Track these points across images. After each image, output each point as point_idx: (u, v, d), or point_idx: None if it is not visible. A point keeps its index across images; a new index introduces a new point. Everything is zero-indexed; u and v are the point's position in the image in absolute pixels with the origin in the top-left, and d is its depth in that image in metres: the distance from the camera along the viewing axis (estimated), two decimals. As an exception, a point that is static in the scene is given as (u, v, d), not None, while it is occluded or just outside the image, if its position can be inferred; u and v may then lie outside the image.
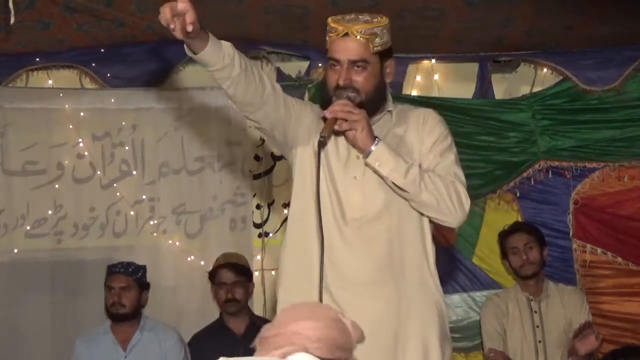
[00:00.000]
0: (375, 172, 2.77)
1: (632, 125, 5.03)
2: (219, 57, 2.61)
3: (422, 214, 2.83)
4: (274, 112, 2.82)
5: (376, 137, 2.75)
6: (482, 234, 5.07)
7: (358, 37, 2.76)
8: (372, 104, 2.83)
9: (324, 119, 2.77)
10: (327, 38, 2.83)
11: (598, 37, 4.88)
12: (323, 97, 2.91)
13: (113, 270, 4.47)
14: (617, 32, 4.78)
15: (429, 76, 5.21)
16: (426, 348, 2.78)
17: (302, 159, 2.90)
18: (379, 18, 2.82)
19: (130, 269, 4.45)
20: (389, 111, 2.93)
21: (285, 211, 5.11)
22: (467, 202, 2.79)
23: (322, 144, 2.72)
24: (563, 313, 4.55)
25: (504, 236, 4.72)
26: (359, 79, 2.79)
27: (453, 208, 2.75)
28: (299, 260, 2.85)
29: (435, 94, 5.14)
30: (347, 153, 2.86)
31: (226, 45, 2.64)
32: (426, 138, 2.88)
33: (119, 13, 4.39)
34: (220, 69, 2.64)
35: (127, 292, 4.42)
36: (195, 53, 2.60)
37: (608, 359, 4.35)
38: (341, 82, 2.78)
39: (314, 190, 2.76)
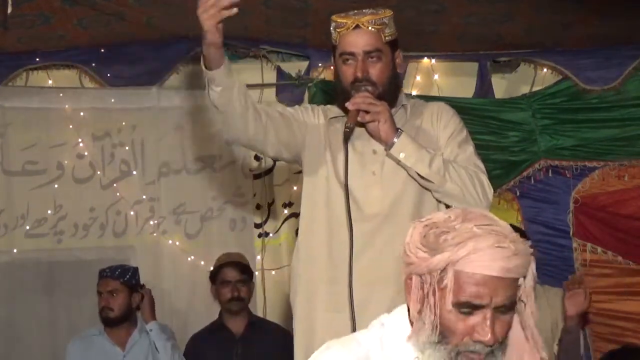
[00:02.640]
0: (398, 163, 2.76)
1: (632, 124, 5.03)
2: (229, 82, 2.61)
3: (444, 206, 2.82)
4: (276, 136, 2.82)
5: (398, 128, 2.75)
6: (482, 233, 5.06)
7: (370, 27, 2.78)
8: (389, 95, 2.83)
9: (346, 111, 2.77)
10: (336, 35, 2.82)
11: (598, 36, 4.87)
12: (338, 94, 2.90)
13: (102, 274, 4.45)
14: (617, 31, 4.77)
15: (428, 75, 5.21)
16: None
17: (310, 160, 2.91)
18: (383, 10, 2.84)
19: (117, 272, 4.42)
20: (403, 105, 2.93)
21: (286, 211, 5.12)
22: (490, 191, 2.80)
23: (347, 135, 2.72)
24: (549, 313, 4.53)
25: None
26: (375, 71, 2.79)
27: (478, 197, 2.74)
28: (317, 258, 2.85)
29: (435, 93, 5.13)
30: (362, 149, 2.86)
31: (242, 83, 2.66)
32: (442, 132, 2.89)
33: (118, 6, 4.38)
34: (227, 101, 2.63)
35: (115, 296, 4.39)
36: (209, 69, 2.59)
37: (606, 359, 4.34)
38: (359, 74, 2.78)
39: (341, 185, 2.76)
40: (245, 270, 4.64)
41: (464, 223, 1.74)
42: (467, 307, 1.70)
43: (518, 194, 5.11)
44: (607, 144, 5.03)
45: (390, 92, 2.85)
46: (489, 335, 1.69)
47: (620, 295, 5.06)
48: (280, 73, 5.07)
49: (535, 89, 5.19)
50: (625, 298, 5.05)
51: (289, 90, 5.05)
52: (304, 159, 2.93)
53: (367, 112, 2.73)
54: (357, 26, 2.77)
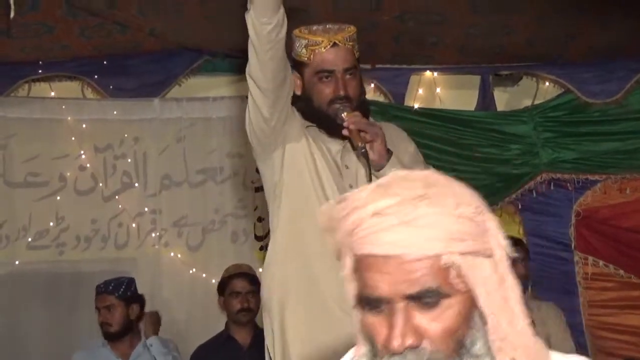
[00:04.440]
0: None
1: (633, 137, 5.04)
2: (275, 8, 2.56)
3: None
4: (286, 96, 2.79)
5: (388, 149, 2.76)
6: (483, 246, 5.04)
7: (346, 44, 2.80)
8: (364, 110, 2.84)
9: (343, 130, 2.75)
10: (308, 53, 2.81)
11: (600, 47, 4.86)
12: (312, 111, 2.87)
13: (98, 290, 4.44)
14: (619, 42, 4.77)
15: (431, 89, 5.22)
16: None
17: (293, 164, 2.86)
18: (347, 26, 2.84)
19: (111, 287, 4.40)
20: None
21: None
22: None
23: (365, 155, 2.70)
24: (542, 329, 4.51)
25: None
26: (351, 87, 2.81)
27: None
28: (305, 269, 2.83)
29: (437, 106, 5.14)
30: (336, 163, 2.86)
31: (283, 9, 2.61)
32: (403, 153, 2.89)
33: (121, 12, 4.38)
34: (273, 25, 2.58)
35: (112, 311, 4.39)
36: None
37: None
38: (342, 92, 2.78)
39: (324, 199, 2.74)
40: (254, 282, 4.63)
41: (365, 189, 1.29)
42: (367, 304, 1.24)
43: (520, 206, 5.10)
44: (608, 157, 5.04)
45: (364, 105, 2.87)
46: (395, 339, 1.20)
47: (621, 309, 5.05)
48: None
49: (537, 102, 5.19)
50: (626, 311, 5.04)
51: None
52: (285, 156, 2.87)
53: (363, 131, 2.73)
54: (334, 44, 2.78)
